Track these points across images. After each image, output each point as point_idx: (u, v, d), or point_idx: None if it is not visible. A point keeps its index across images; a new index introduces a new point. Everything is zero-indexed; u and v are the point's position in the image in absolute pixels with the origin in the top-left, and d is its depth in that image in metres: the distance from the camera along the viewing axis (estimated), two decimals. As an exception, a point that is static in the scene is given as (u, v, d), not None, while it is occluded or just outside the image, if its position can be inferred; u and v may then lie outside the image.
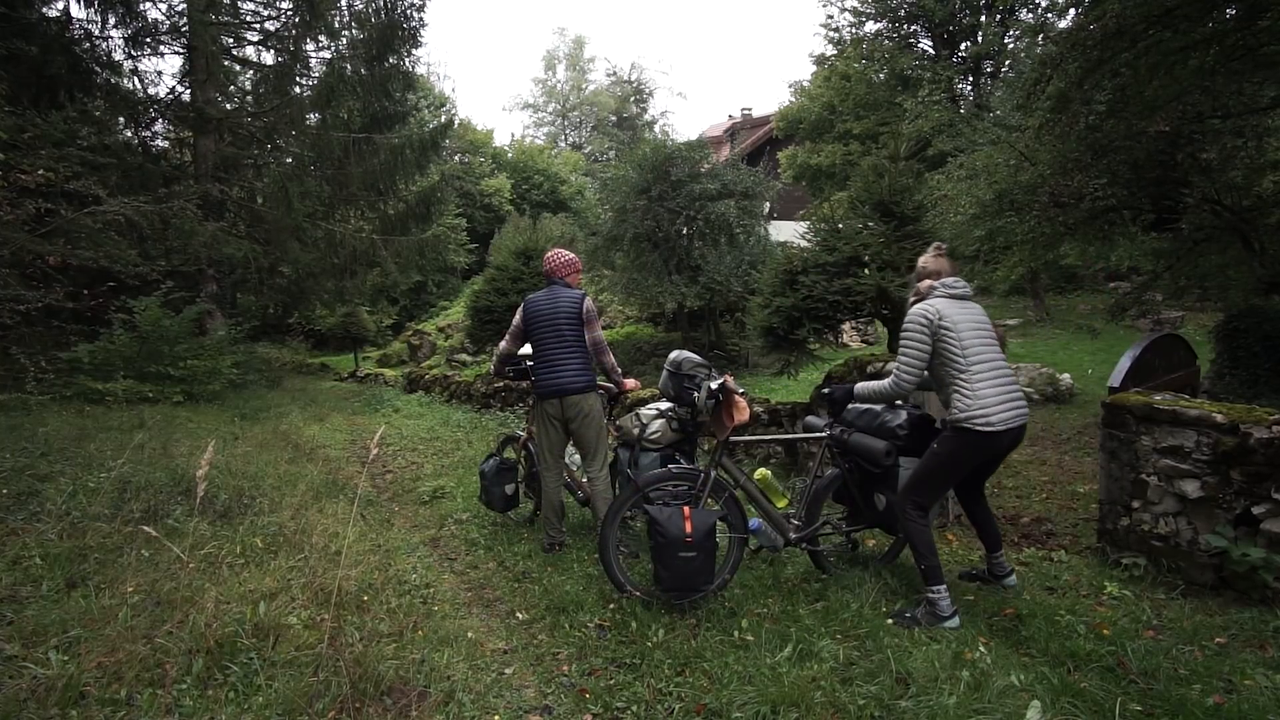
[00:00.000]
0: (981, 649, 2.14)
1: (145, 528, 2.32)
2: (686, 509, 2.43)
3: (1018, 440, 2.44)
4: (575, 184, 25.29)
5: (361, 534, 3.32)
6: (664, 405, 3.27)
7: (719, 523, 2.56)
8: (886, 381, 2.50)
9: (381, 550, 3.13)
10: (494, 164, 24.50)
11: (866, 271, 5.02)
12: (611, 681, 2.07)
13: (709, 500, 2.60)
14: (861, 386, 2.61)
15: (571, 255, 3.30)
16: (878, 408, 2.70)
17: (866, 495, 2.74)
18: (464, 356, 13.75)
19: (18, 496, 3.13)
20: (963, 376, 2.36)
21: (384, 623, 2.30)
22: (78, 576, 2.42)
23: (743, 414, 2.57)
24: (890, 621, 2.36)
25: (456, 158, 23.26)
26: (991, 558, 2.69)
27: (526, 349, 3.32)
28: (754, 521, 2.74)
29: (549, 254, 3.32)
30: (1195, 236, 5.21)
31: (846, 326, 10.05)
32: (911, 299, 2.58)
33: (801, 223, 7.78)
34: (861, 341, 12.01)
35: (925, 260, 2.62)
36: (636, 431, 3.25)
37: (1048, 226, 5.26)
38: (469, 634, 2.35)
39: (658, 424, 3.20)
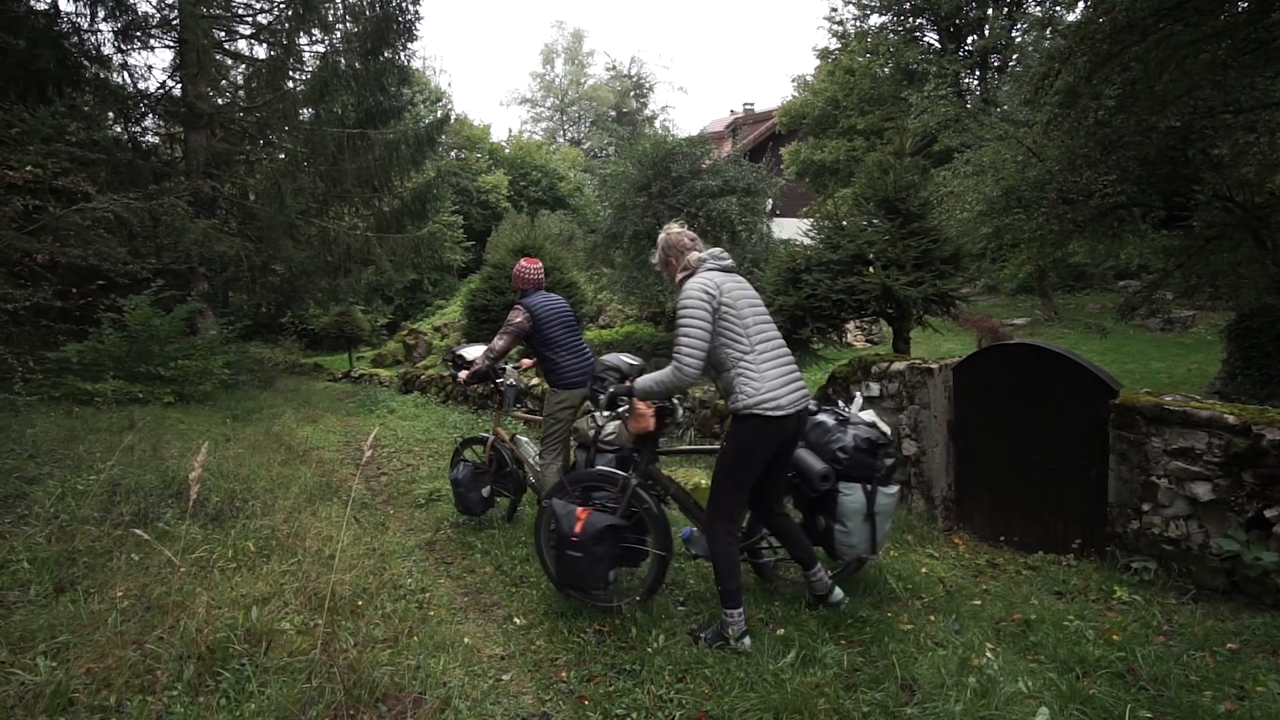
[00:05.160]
0: (988, 655, 2.10)
1: (135, 531, 2.30)
2: (581, 510, 2.39)
3: (801, 426, 2.33)
4: (574, 180, 25.21)
5: (356, 538, 3.28)
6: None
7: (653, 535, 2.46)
8: (667, 370, 2.22)
9: (376, 554, 3.10)
10: (491, 160, 24.41)
11: (871, 270, 4.98)
12: (611, 688, 2.04)
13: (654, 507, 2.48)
14: (642, 381, 2.34)
15: None
16: (830, 422, 2.46)
17: (809, 512, 2.53)
18: (461, 355, 13.65)
19: (5, 499, 3.08)
20: (748, 358, 2.19)
21: (379, 628, 2.28)
22: (66, 581, 2.38)
23: (639, 423, 2.40)
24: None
25: (453, 154, 23.16)
26: (808, 575, 2.45)
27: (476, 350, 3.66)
28: (686, 530, 2.68)
29: (536, 263, 3.52)
30: (1206, 234, 5.19)
31: (851, 325, 9.99)
32: (680, 276, 2.34)
33: (805, 220, 7.74)
34: (866, 341, 11.94)
35: (665, 238, 2.40)
36: (592, 433, 3.22)
37: (1056, 224, 5.22)
38: (465, 639, 2.33)
39: (613, 425, 3.13)
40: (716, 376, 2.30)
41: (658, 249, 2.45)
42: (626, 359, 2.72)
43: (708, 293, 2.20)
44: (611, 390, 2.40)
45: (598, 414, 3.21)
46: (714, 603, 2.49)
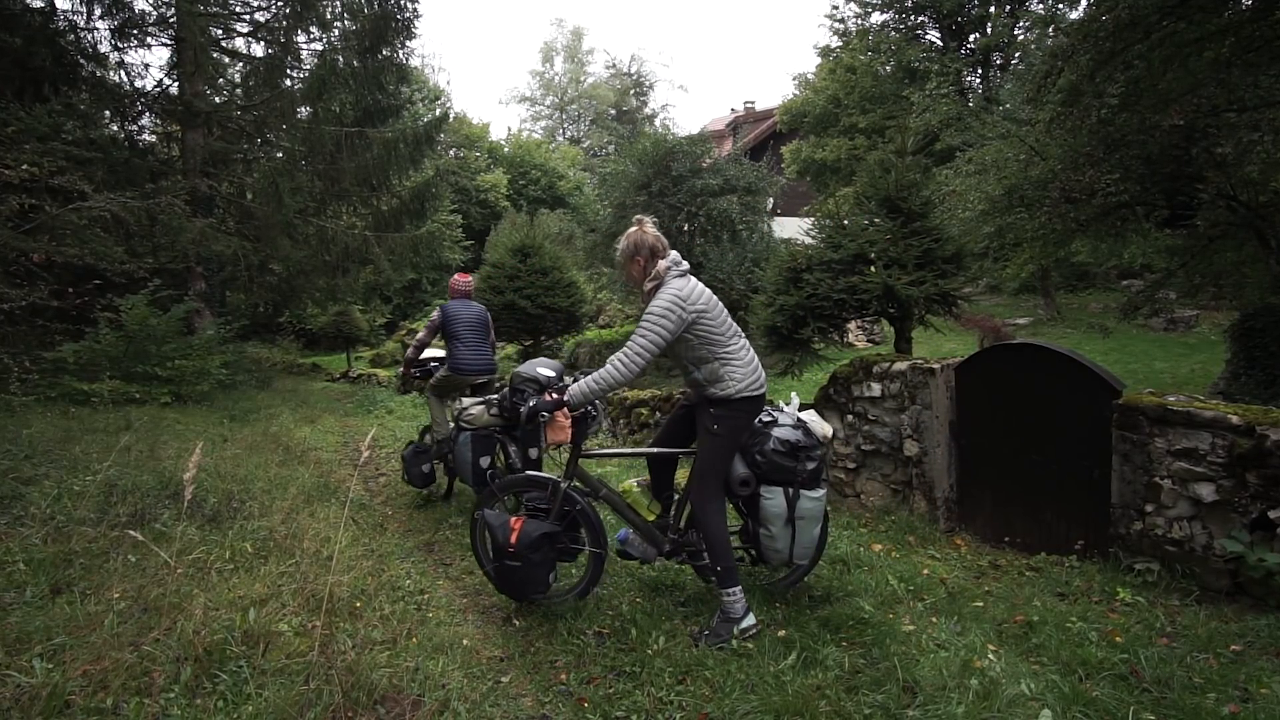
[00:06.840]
0: (990, 657, 2.09)
1: (132, 532, 2.28)
2: (515, 520, 2.38)
3: None
4: (573, 179, 25.22)
5: (354, 538, 3.27)
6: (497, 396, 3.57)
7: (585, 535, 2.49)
8: (613, 365, 2.24)
9: (374, 555, 3.09)
10: (490, 159, 24.40)
11: (872, 269, 4.95)
12: (611, 690, 2.03)
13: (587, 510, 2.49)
14: (577, 388, 2.30)
15: None
16: (757, 423, 2.43)
17: (744, 515, 2.53)
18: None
19: (1, 500, 3.06)
20: (727, 350, 2.34)
21: (377, 630, 2.26)
22: (62, 582, 2.36)
23: (556, 435, 2.41)
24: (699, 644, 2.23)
25: (451, 152, 23.13)
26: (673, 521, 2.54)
27: (431, 351, 4.37)
28: (622, 532, 2.66)
29: (466, 277, 4.37)
30: (1210, 233, 5.19)
31: (852, 326, 9.98)
32: (648, 286, 2.35)
33: (806, 219, 7.71)
34: (867, 341, 11.94)
35: (642, 235, 2.36)
36: (456, 410, 3.69)
37: (1058, 223, 5.22)
38: (464, 641, 2.31)
39: (476, 409, 3.59)
40: (695, 369, 2.39)
41: (626, 241, 2.40)
42: (544, 370, 2.69)
43: (681, 306, 2.28)
44: (532, 405, 2.37)
45: (464, 399, 3.78)
46: (714, 604, 2.47)
